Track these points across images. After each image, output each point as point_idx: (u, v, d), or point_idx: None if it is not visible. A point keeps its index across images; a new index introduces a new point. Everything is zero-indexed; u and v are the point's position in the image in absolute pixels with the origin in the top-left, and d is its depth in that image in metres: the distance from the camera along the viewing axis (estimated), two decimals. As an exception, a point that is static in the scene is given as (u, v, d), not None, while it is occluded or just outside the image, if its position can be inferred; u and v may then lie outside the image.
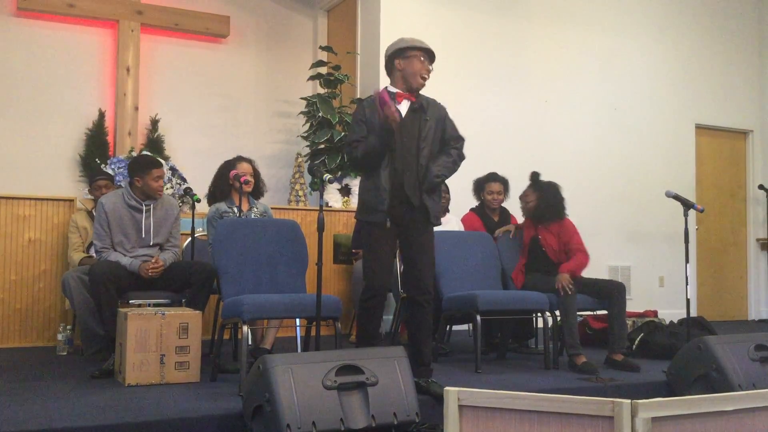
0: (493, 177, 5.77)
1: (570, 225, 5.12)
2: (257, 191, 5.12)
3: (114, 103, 7.09)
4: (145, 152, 6.64)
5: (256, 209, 5.04)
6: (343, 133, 6.74)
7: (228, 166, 5.06)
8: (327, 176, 3.91)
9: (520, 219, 6.03)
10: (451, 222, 5.71)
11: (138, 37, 7.13)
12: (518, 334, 5.62)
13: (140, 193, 4.63)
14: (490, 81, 7.48)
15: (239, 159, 5.11)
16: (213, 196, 5.05)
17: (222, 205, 4.92)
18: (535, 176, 5.20)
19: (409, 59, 3.94)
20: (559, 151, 7.72)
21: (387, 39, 7.03)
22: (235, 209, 4.90)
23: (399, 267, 5.64)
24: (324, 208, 3.90)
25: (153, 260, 4.51)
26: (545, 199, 5.06)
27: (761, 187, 8.68)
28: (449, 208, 5.84)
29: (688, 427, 2.21)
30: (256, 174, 5.09)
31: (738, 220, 8.95)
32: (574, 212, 5.20)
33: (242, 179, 4.86)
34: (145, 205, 4.64)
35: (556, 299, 4.80)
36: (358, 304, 4.03)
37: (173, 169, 6.28)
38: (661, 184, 7.47)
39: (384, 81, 6.93)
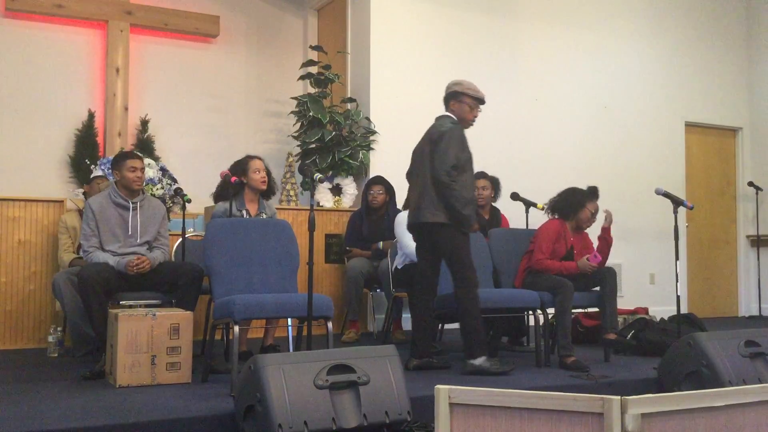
0: (479, 174, 5.79)
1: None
2: (270, 190, 5.06)
3: (103, 103, 7.06)
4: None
5: (264, 214, 4.98)
6: (333, 133, 6.74)
7: (237, 165, 4.98)
8: (318, 176, 3.92)
9: (512, 219, 6.05)
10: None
11: (127, 38, 7.11)
12: (511, 332, 5.63)
13: (123, 189, 4.65)
14: (479, 79, 7.39)
15: (250, 157, 5.02)
16: (218, 196, 4.99)
17: (228, 207, 4.85)
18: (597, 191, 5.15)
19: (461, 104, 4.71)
20: (549, 148, 7.74)
21: (377, 38, 7.08)
22: (245, 212, 4.87)
23: (391, 266, 5.66)
24: (315, 207, 3.91)
25: (136, 258, 4.50)
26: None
27: (751, 184, 8.72)
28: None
29: (678, 423, 2.22)
30: (267, 172, 5.04)
31: (728, 217, 8.99)
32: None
33: (233, 179, 4.82)
34: (132, 203, 4.64)
35: (551, 298, 4.81)
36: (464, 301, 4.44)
37: (163, 170, 6.26)
38: (650, 181, 7.50)
39: (374, 80, 6.99)
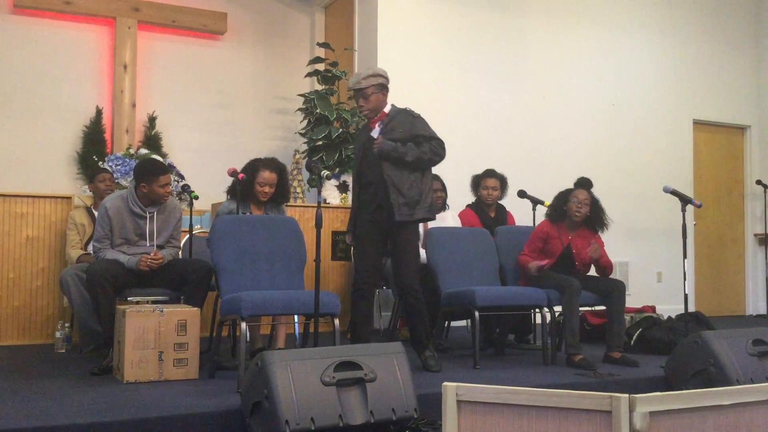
0: (489, 173, 5.79)
1: (600, 240, 5.10)
2: (278, 199, 4.94)
3: (111, 100, 7.08)
4: (143, 150, 6.64)
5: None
6: (340, 130, 6.74)
7: (247, 167, 4.85)
8: (325, 173, 3.92)
9: (519, 216, 6.04)
10: (447, 218, 5.71)
11: (135, 34, 7.12)
12: (519, 329, 5.63)
13: (145, 199, 4.57)
14: (487, 77, 7.48)
15: (263, 166, 4.81)
16: (232, 192, 4.90)
17: (235, 208, 4.80)
18: (589, 182, 5.07)
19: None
20: (556, 147, 7.72)
21: (384, 35, 7.07)
22: (248, 214, 4.83)
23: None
24: (322, 204, 3.91)
25: (152, 253, 4.49)
26: (599, 205, 5.03)
27: (759, 182, 8.67)
28: (448, 204, 5.85)
29: (686, 421, 2.21)
30: (280, 182, 4.86)
31: (736, 215, 8.96)
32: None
33: (240, 176, 4.80)
34: (149, 212, 4.60)
35: (558, 296, 4.80)
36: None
37: (171, 166, 6.28)
38: (659, 179, 7.47)
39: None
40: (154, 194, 4.55)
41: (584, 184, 5.07)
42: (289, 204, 6.59)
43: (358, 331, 4.42)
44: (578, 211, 4.95)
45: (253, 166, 4.84)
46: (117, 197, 4.63)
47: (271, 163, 4.83)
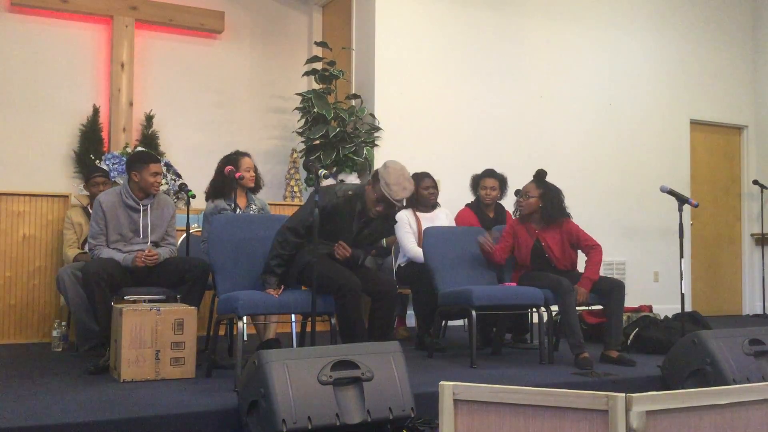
0: (488, 173, 5.79)
1: (573, 225, 5.01)
2: (257, 186, 5.09)
3: (108, 99, 7.06)
4: (140, 149, 6.62)
5: (254, 206, 5.00)
6: (338, 129, 6.73)
7: (228, 161, 4.97)
8: (322, 172, 3.92)
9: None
10: (440, 217, 5.70)
11: (132, 33, 7.10)
12: (516, 329, 5.63)
13: (137, 190, 4.60)
14: (484, 76, 7.48)
15: (241, 154, 5.02)
16: (216, 193, 4.98)
17: (221, 202, 4.88)
18: (542, 173, 5.00)
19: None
20: (554, 146, 7.73)
21: (382, 34, 7.08)
22: (244, 213, 4.87)
23: (394, 265, 5.67)
24: (319, 203, 3.90)
25: (147, 250, 4.50)
26: (552, 196, 4.94)
27: (756, 182, 8.70)
28: (439, 202, 5.84)
29: (683, 420, 2.22)
30: (255, 168, 5.07)
31: (733, 215, 8.97)
32: (569, 208, 5.17)
33: (237, 174, 4.82)
34: (143, 205, 4.61)
35: (552, 295, 4.80)
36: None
37: (168, 165, 6.28)
38: (655, 179, 7.49)
39: (378, 76, 6.99)
40: (146, 183, 4.57)
41: (536, 175, 5.01)
42: (286, 203, 6.61)
43: (358, 331, 4.26)
44: (522, 206, 4.95)
45: (234, 160, 4.96)
46: (111, 192, 4.68)
47: (243, 152, 5.05)
